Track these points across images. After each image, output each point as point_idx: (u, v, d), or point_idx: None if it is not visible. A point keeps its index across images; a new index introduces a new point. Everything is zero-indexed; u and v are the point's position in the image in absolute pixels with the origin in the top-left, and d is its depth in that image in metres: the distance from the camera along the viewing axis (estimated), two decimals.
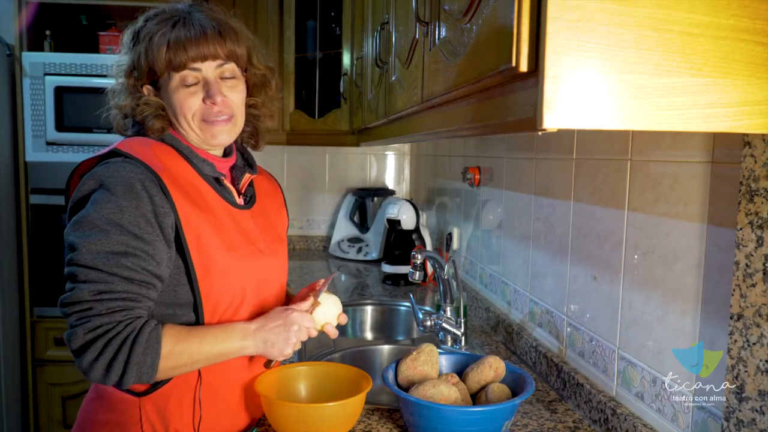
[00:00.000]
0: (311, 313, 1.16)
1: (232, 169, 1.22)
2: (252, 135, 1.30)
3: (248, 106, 1.23)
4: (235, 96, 1.16)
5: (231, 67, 1.15)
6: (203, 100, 1.12)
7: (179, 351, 1.03)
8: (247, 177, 1.23)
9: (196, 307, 1.09)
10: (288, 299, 1.30)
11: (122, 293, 1.00)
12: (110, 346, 0.98)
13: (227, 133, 1.16)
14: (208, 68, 1.12)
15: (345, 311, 1.24)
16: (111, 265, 0.99)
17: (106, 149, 1.10)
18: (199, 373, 1.11)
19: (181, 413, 1.10)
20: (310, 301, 1.17)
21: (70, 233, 1.02)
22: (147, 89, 1.15)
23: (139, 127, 1.17)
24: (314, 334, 1.17)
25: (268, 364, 1.17)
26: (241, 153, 1.29)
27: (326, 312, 1.19)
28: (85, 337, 0.98)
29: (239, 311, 1.14)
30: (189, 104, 1.12)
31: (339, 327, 1.24)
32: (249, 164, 1.28)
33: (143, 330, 1.00)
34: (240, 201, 1.21)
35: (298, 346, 1.13)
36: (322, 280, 1.25)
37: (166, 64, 1.10)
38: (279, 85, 1.29)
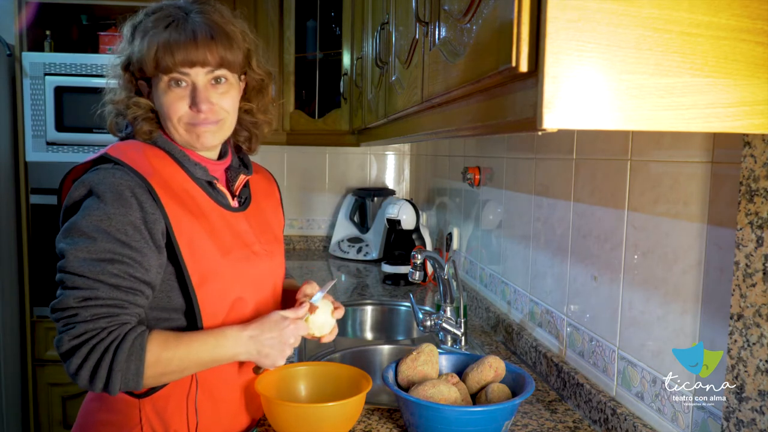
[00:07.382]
0: (307, 320, 1.16)
1: (227, 170, 1.22)
2: (247, 139, 1.28)
3: (244, 111, 1.22)
4: (225, 102, 1.13)
5: (222, 73, 1.12)
6: (189, 107, 1.11)
7: (167, 358, 1.01)
8: (242, 178, 1.22)
9: (192, 312, 1.09)
10: (290, 294, 1.29)
11: (107, 300, 0.99)
12: (94, 352, 0.97)
13: (212, 134, 1.13)
14: (198, 74, 1.10)
15: (345, 311, 1.24)
16: (97, 272, 0.99)
17: (97, 154, 1.09)
18: (195, 376, 1.10)
19: (180, 415, 1.10)
20: (306, 306, 1.16)
21: (60, 240, 1.03)
22: (141, 85, 1.14)
23: (132, 129, 1.17)
24: (308, 337, 1.19)
25: (257, 370, 1.17)
26: (237, 153, 1.28)
27: (321, 319, 1.19)
28: (70, 343, 0.97)
29: (239, 313, 1.13)
30: (175, 108, 1.10)
31: (339, 327, 1.24)
32: (245, 165, 1.27)
33: (127, 337, 0.98)
34: (234, 203, 1.20)
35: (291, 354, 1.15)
36: (318, 289, 1.24)
37: (153, 66, 1.08)
38: (279, 89, 1.28)
